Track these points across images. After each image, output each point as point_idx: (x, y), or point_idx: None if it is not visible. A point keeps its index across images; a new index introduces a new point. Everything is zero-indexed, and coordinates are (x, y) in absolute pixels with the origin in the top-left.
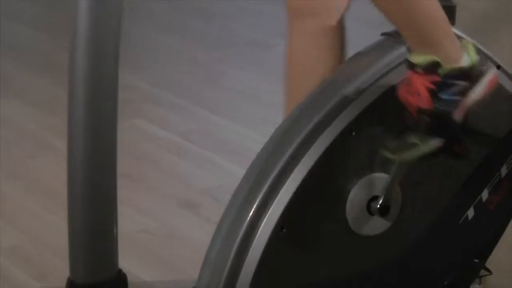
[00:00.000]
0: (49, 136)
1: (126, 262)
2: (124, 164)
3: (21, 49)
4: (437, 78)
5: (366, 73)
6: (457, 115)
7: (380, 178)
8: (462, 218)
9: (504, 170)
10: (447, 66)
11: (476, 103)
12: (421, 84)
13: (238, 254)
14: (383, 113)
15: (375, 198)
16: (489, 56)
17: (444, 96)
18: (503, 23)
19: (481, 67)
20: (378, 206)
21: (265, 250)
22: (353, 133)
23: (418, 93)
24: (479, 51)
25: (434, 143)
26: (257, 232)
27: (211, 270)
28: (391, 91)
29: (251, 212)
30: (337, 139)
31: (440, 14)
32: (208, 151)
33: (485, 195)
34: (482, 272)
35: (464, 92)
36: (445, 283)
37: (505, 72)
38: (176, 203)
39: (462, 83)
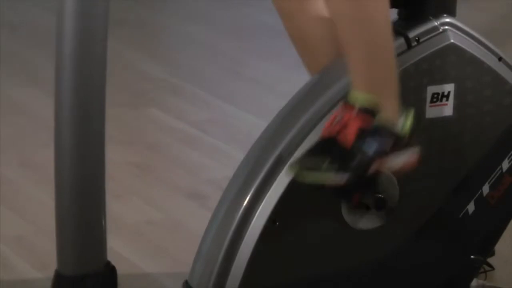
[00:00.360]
0: None
1: (130, 253)
2: (134, 154)
3: (44, 38)
4: (369, 122)
5: None
6: (370, 168)
7: None
8: (462, 213)
9: (505, 165)
10: (383, 118)
11: (388, 169)
12: (353, 120)
13: (230, 247)
14: None
15: None
16: (489, 47)
17: (367, 144)
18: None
19: (411, 138)
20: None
21: (257, 244)
22: None
23: (346, 127)
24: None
25: (337, 179)
26: (249, 225)
27: (203, 263)
28: None
29: (244, 205)
30: None
31: (395, 73)
32: (221, 142)
33: (485, 189)
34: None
35: (386, 150)
36: (445, 279)
37: (507, 64)
38: (184, 194)
39: (388, 142)
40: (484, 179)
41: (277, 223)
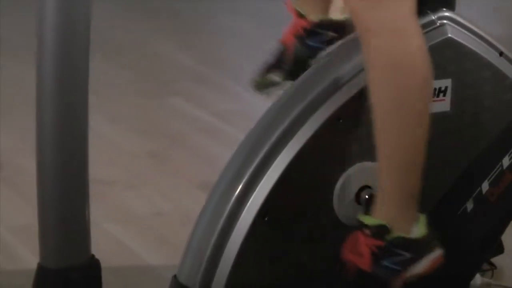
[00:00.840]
0: None
1: (135, 245)
2: (152, 143)
3: None
4: (381, 243)
5: (355, 59)
6: (394, 284)
7: (370, 167)
8: (461, 210)
9: (506, 162)
10: (396, 233)
11: (413, 277)
12: (366, 246)
13: (218, 242)
14: None
15: (364, 188)
16: (490, 42)
17: (385, 263)
18: None
19: (428, 243)
20: (367, 197)
21: (245, 238)
22: (341, 120)
23: (360, 254)
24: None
25: None
26: (238, 220)
27: (191, 258)
28: None
29: (233, 199)
30: (323, 126)
31: (418, 183)
32: (242, 133)
33: (485, 186)
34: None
35: (405, 264)
36: (444, 277)
37: (508, 59)
38: (197, 185)
39: (405, 255)
40: (484, 176)
41: (266, 218)
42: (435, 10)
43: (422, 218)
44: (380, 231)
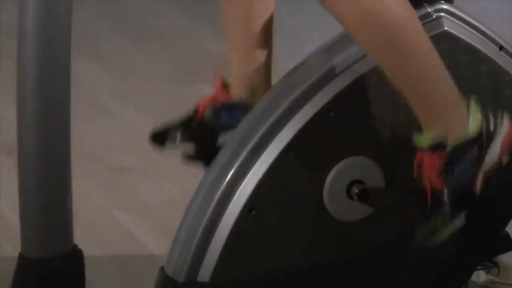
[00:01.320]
0: (111, 101)
1: (141, 233)
2: None
3: (110, 12)
4: (444, 156)
5: (347, 52)
6: (475, 186)
7: (361, 161)
8: None
9: (505, 159)
10: (453, 140)
11: (494, 166)
12: (430, 165)
13: (205, 235)
14: (364, 93)
15: (355, 182)
16: (490, 35)
17: (455, 172)
18: None
19: (489, 126)
20: (357, 191)
21: (232, 232)
22: (331, 113)
23: (430, 176)
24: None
25: (459, 222)
26: (224, 213)
27: (178, 251)
28: (374, 68)
29: (220, 192)
30: (313, 119)
31: (448, 84)
32: None
33: None
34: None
35: (478, 160)
36: (439, 275)
37: (509, 54)
38: None
39: (472, 152)
40: None
41: (253, 212)
42: (431, 2)
43: (472, 105)
44: (438, 145)
